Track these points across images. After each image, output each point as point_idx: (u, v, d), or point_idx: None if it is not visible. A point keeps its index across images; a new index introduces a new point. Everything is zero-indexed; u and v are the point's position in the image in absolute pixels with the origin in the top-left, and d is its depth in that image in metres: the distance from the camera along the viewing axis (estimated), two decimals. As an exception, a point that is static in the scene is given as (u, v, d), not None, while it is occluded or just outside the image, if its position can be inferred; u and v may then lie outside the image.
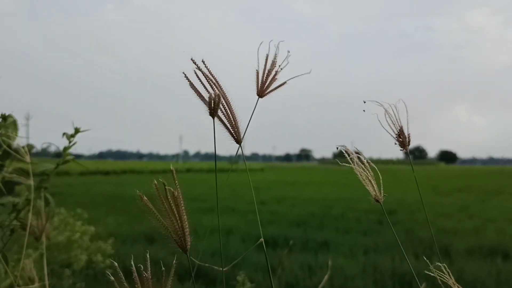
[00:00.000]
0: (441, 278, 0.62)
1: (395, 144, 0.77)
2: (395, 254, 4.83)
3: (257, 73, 0.74)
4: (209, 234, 5.91)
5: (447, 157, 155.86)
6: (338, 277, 4.01)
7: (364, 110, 0.72)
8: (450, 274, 0.62)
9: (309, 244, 5.46)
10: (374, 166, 0.70)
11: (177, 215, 0.54)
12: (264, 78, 0.75)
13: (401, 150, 0.77)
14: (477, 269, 4.28)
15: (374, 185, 0.70)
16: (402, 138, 0.76)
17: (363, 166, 0.70)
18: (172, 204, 0.54)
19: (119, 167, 32.77)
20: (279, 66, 0.74)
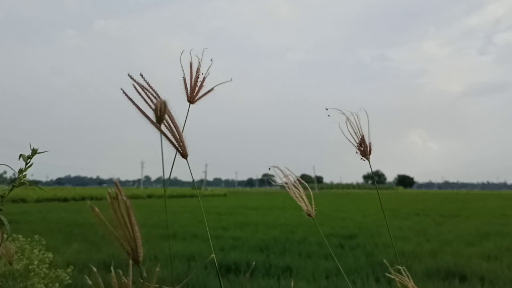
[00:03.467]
0: (400, 281, 0.64)
1: (356, 153, 0.73)
2: (356, 278, 4.87)
3: (184, 80, 0.76)
4: (171, 261, 5.80)
5: (405, 181, 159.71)
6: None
7: (328, 115, 0.71)
8: (409, 276, 0.64)
9: (271, 269, 5.44)
10: (305, 183, 0.71)
11: (129, 225, 0.53)
12: (192, 84, 0.76)
13: (362, 159, 0.73)
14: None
15: (306, 201, 0.71)
16: (363, 147, 0.73)
17: (294, 184, 0.71)
18: (124, 215, 0.52)
19: (77, 193, 31.82)
20: (203, 74, 0.76)
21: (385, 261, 0.75)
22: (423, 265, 5.62)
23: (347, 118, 0.72)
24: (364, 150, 0.73)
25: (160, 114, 0.61)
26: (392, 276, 0.64)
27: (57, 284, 1.93)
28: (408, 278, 0.64)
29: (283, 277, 5.03)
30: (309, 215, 0.72)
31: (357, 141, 0.73)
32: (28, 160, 1.18)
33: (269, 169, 0.72)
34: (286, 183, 0.72)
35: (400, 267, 0.63)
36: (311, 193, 0.72)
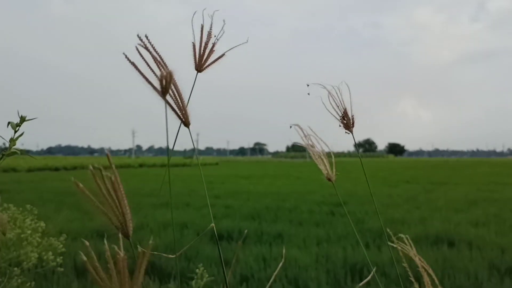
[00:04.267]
0: (403, 249, 0.65)
1: (340, 126, 0.75)
2: (346, 244, 4.96)
3: (194, 46, 0.69)
4: (163, 229, 5.85)
5: (395, 149, 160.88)
6: (291, 267, 4.08)
7: (308, 94, 0.71)
8: (412, 245, 0.64)
9: (263, 236, 5.51)
10: (327, 145, 0.71)
11: (116, 200, 0.50)
12: (202, 50, 0.69)
13: (346, 132, 0.75)
14: (424, 256, 4.46)
15: (326, 164, 0.71)
16: (346, 120, 0.75)
17: (315, 145, 0.70)
18: (110, 189, 0.49)
19: (69, 163, 31.71)
20: (216, 37, 0.69)
21: (388, 230, 0.75)
22: (412, 231, 5.72)
23: (329, 92, 0.73)
24: (348, 123, 0.75)
25: (166, 85, 0.58)
26: (395, 245, 0.64)
27: (50, 253, 1.94)
28: (411, 247, 0.64)
29: (275, 244, 5.10)
30: (329, 179, 0.72)
31: (340, 114, 0.75)
32: (17, 128, 1.16)
33: (290, 127, 0.70)
34: (308, 144, 0.71)
35: (402, 235, 0.64)
36: (333, 158, 0.72)
